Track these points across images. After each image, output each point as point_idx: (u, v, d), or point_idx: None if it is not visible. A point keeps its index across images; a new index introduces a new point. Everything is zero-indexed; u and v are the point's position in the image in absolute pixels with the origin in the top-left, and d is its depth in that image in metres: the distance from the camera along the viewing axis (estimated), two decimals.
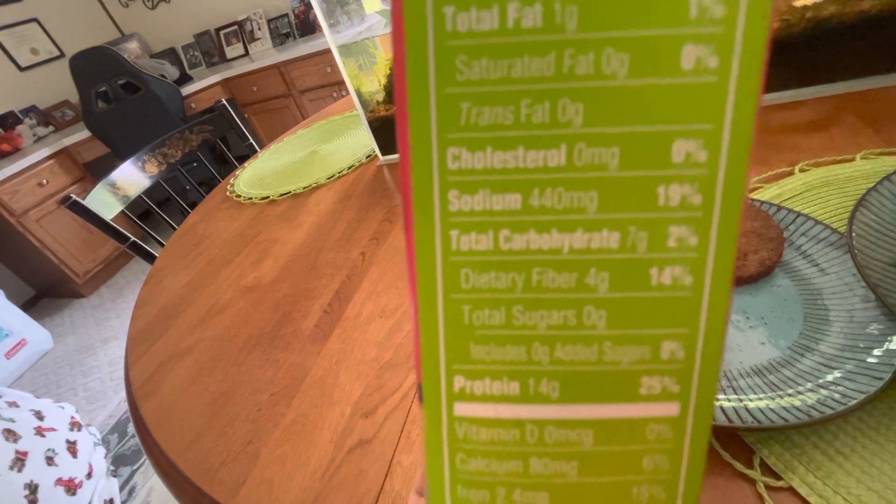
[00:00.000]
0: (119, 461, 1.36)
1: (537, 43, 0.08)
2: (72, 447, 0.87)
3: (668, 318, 0.10)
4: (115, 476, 0.93)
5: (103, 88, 2.04)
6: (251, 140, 1.06)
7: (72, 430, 0.90)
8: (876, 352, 0.22)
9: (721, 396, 0.23)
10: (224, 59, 2.70)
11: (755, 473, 0.21)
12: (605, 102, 0.09)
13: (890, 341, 0.22)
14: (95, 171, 2.30)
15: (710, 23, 0.08)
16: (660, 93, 0.09)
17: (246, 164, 0.88)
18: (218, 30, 2.65)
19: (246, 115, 2.48)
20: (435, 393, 0.11)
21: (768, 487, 0.20)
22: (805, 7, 0.41)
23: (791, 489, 0.20)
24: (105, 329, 2.05)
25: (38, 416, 0.87)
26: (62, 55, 2.59)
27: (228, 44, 2.66)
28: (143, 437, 0.36)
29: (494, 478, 0.11)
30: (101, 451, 0.94)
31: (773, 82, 0.46)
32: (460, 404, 0.11)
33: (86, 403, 1.66)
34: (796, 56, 0.44)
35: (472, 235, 0.10)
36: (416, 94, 0.09)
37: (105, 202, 0.85)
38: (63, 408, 0.94)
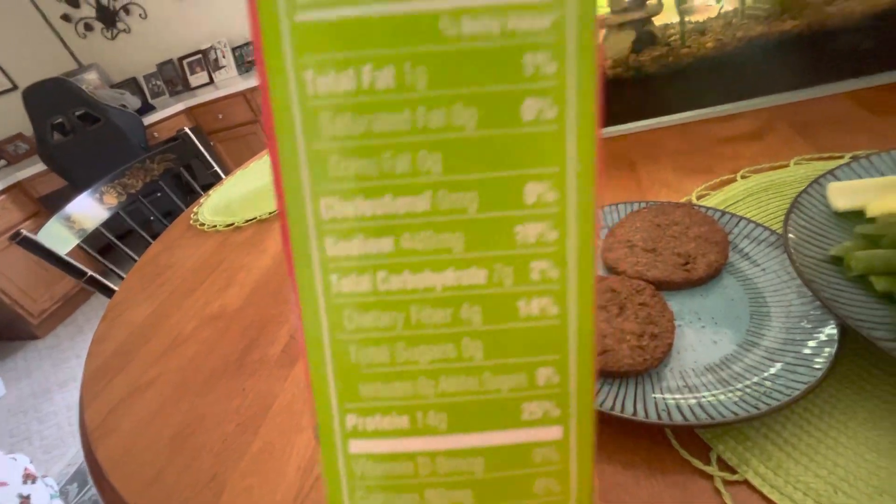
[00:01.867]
0: None
1: (392, 101, 0.09)
2: (25, 502, 0.81)
3: (540, 345, 0.11)
4: None
5: (59, 120, 1.98)
6: (216, 167, 1.05)
7: (25, 482, 0.84)
8: (811, 343, 0.23)
9: (678, 396, 0.24)
10: (188, 88, 2.67)
11: (712, 469, 0.21)
12: (459, 152, 0.09)
13: (822, 333, 0.23)
14: (52, 204, 2.21)
15: (545, 78, 0.09)
16: (508, 141, 0.09)
17: (210, 192, 0.86)
18: (181, 59, 2.63)
19: (212, 143, 2.44)
20: (329, 432, 0.11)
21: (725, 482, 0.21)
22: (737, 27, 0.45)
23: (746, 482, 0.21)
24: (62, 371, 1.93)
25: None
26: (15, 87, 2.50)
27: (192, 72, 2.63)
28: (98, 482, 0.34)
29: None
30: (59, 503, 0.88)
31: (713, 96, 0.49)
32: (354, 441, 0.11)
33: (41, 453, 1.55)
34: (731, 72, 0.47)
35: (351, 278, 0.10)
36: (286, 151, 0.10)
37: (59, 237, 0.82)
38: (15, 459, 0.88)
